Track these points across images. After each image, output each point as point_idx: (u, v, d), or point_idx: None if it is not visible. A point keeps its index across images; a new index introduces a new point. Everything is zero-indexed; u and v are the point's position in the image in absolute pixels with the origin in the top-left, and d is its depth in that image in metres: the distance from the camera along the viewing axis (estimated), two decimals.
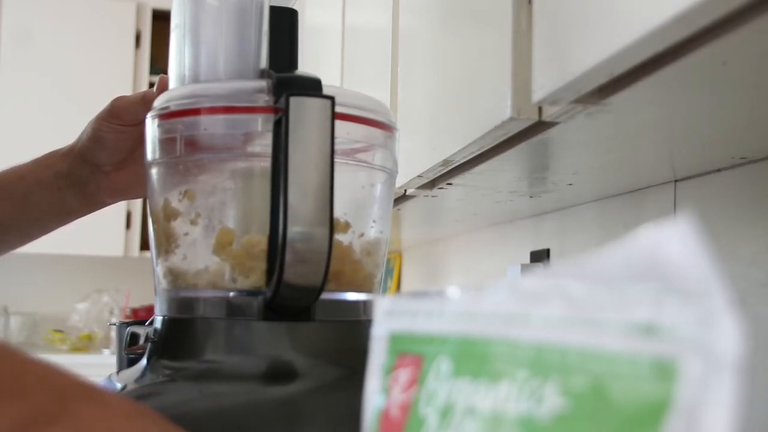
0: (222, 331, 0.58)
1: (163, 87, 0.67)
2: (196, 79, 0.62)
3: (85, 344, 3.31)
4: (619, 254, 0.25)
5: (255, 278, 0.58)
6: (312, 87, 0.57)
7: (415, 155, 0.88)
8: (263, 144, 0.58)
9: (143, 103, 0.72)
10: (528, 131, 0.65)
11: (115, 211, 3.34)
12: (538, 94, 0.57)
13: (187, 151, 0.61)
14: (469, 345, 0.29)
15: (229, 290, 0.59)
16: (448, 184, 0.92)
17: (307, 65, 0.66)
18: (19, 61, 3.33)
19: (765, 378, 0.69)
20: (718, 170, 0.79)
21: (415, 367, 0.32)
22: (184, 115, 0.60)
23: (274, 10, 0.63)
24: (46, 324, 3.44)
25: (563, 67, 0.53)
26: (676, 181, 0.86)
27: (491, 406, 0.27)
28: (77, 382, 0.39)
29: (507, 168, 0.82)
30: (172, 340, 0.60)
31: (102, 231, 3.21)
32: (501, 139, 0.68)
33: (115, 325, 0.93)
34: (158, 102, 0.63)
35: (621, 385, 0.23)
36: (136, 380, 0.59)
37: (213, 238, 0.60)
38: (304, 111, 0.54)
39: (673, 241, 0.23)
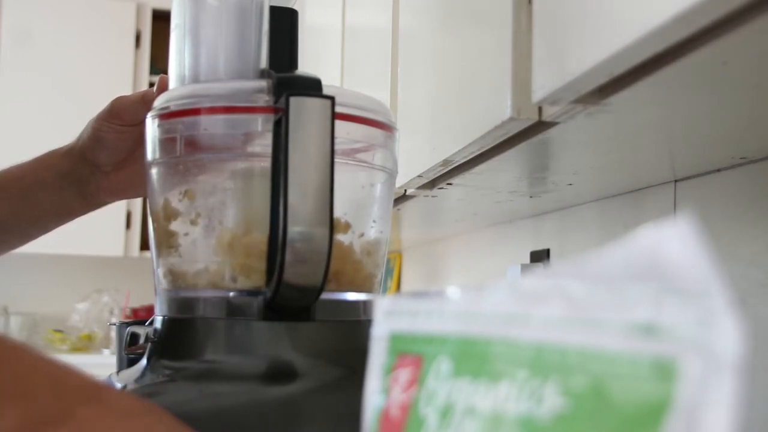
0: (222, 331, 0.58)
1: (163, 87, 0.67)
2: (196, 79, 0.62)
3: (85, 344, 3.31)
4: (619, 254, 0.25)
5: (255, 278, 0.58)
6: (312, 87, 0.57)
7: (415, 155, 0.88)
8: (263, 144, 0.58)
9: (143, 102, 0.72)
10: (528, 131, 0.65)
11: (115, 211, 3.34)
12: (538, 94, 0.57)
13: (187, 151, 0.61)
14: (469, 345, 0.29)
15: (229, 290, 0.59)
16: (448, 184, 0.92)
17: (307, 65, 0.66)
18: (19, 61, 3.33)
19: (765, 378, 0.69)
20: (718, 170, 0.79)
21: (415, 367, 0.32)
22: (184, 115, 0.60)
23: (274, 10, 0.63)
24: (46, 324, 3.44)
25: (563, 67, 0.53)
26: (676, 181, 0.86)
27: (491, 406, 0.27)
28: (83, 381, 0.39)
29: (507, 168, 0.82)
30: (172, 340, 0.60)
31: (102, 231, 3.21)
32: (501, 139, 0.68)
33: (115, 325, 0.93)
34: (158, 102, 0.63)
35: (621, 385, 0.23)
36: (136, 380, 0.59)
37: (213, 238, 0.60)
38: (304, 111, 0.54)
39: (673, 241, 0.23)
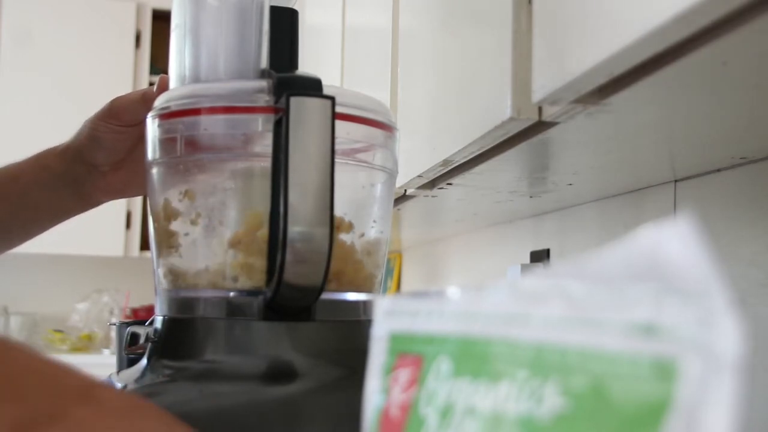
0: (222, 331, 0.58)
1: (164, 87, 0.67)
2: (196, 79, 0.62)
3: (85, 344, 3.31)
4: (619, 254, 0.25)
5: (255, 278, 0.58)
6: (312, 87, 0.57)
7: (415, 155, 0.88)
8: (263, 144, 0.58)
9: (143, 102, 0.72)
10: (528, 131, 0.65)
11: (115, 211, 3.34)
12: (538, 94, 0.57)
13: (187, 151, 0.61)
14: (469, 345, 0.29)
15: (230, 290, 0.59)
16: (448, 184, 0.92)
17: (307, 65, 0.66)
18: (19, 61, 3.33)
19: (765, 378, 0.69)
20: (718, 170, 0.79)
21: (415, 367, 0.32)
22: (184, 115, 0.60)
23: (274, 10, 0.63)
24: (46, 324, 3.44)
25: (563, 67, 0.53)
26: (676, 181, 0.86)
27: (491, 406, 0.27)
28: (78, 380, 0.39)
29: (507, 168, 0.82)
30: (172, 340, 0.60)
31: (102, 231, 3.21)
32: (501, 139, 0.68)
33: (115, 325, 0.93)
34: (158, 102, 0.63)
35: (621, 385, 0.23)
36: (136, 380, 0.59)
37: (213, 238, 0.60)
38: (304, 111, 0.54)
39: (673, 241, 0.23)
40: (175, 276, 0.61)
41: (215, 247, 0.60)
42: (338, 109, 0.55)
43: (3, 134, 3.15)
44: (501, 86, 0.62)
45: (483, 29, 0.69)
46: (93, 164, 0.77)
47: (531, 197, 1.05)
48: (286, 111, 0.54)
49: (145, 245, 3.39)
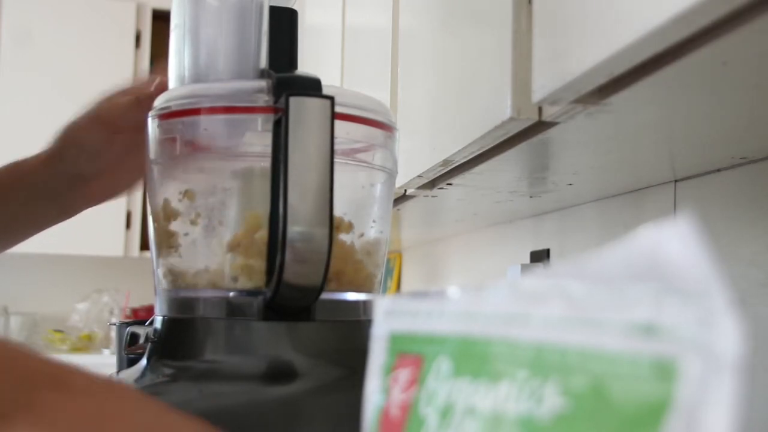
0: (222, 331, 0.58)
1: (162, 89, 0.66)
2: (196, 79, 0.62)
3: (85, 344, 3.31)
4: (619, 254, 0.25)
5: (255, 278, 0.58)
6: (312, 87, 0.57)
7: (415, 155, 0.88)
8: (263, 144, 0.58)
9: (138, 106, 0.67)
10: (528, 131, 0.65)
11: (115, 211, 3.35)
12: (538, 94, 0.57)
13: (187, 151, 0.61)
14: (469, 345, 0.29)
15: (229, 290, 0.59)
16: (448, 184, 0.92)
17: (307, 65, 0.66)
18: (19, 61, 3.33)
19: (765, 378, 0.69)
20: (718, 170, 0.79)
21: (415, 367, 0.32)
22: (184, 115, 0.60)
23: (274, 10, 0.63)
24: (46, 324, 3.44)
25: (563, 67, 0.53)
26: (676, 181, 0.86)
27: (491, 406, 0.27)
28: (49, 366, 0.38)
29: (507, 168, 0.82)
30: (172, 340, 0.60)
31: (102, 231, 3.22)
32: (501, 139, 0.68)
33: (115, 325, 0.93)
34: (158, 102, 0.63)
35: (621, 385, 0.23)
36: (136, 380, 0.59)
37: (213, 238, 0.60)
38: (304, 111, 0.54)
39: (673, 241, 0.23)
40: (174, 276, 0.61)
41: (215, 248, 0.60)
42: (338, 109, 0.55)
43: (3, 134, 3.15)
44: (501, 86, 0.62)
45: (483, 29, 0.69)
46: (77, 174, 0.72)
47: (531, 197, 1.05)
48: (286, 111, 0.54)
49: (145, 245, 3.39)
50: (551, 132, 0.63)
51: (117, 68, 3.45)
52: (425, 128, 0.88)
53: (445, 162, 0.81)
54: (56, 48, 3.39)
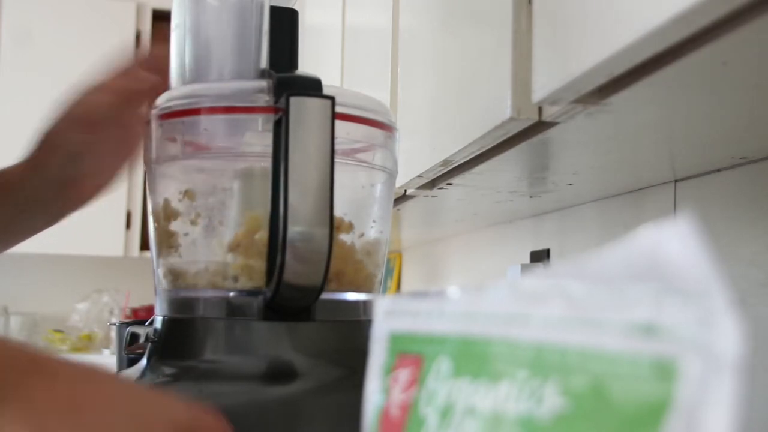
0: (222, 331, 0.58)
1: (160, 89, 0.63)
2: (196, 79, 0.62)
3: (85, 344, 3.31)
4: (619, 254, 0.25)
5: (255, 278, 0.58)
6: (312, 87, 0.57)
7: (415, 155, 0.88)
8: (263, 144, 0.58)
9: (126, 103, 0.64)
10: (528, 131, 0.65)
11: (115, 211, 3.34)
12: (538, 94, 0.57)
13: (187, 151, 0.61)
14: (469, 345, 0.29)
15: (229, 290, 0.59)
16: (448, 184, 0.92)
17: (307, 65, 0.66)
18: (19, 61, 3.33)
19: (765, 378, 0.69)
20: (718, 170, 0.79)
21: (415, 367, 0.32)
22: (185, 115, 0.60)
23: (274, 10, 0.63)
24: (46, 324, 3.44)
25: (563, 67, 0.53)
26: (676, 181, 0.86)
27: (491, 406, 0.27)
28: (30, 355, 0.38)
29: (507, 168, 0.82)
30: (172, 340, 0.60)
31: (102, 231, 3.21)
32: (501, 139, 0.68)
33: (115, 325, 0.93)
34: (159, 102, 0.63)
35: (621, 385, 0.23)
36: (136, 380, 0.59)
37: (213, 238, 0.60)
38: (304, 111, 0.54)
39: (673, 241, 0.23)
40: (175, 276, 0.61)
41: (215, 247, 0.60)
42: (338, 109, 0.55)
43: (3, 134, 3.15)
44: (501, 86, 0.62)
45: (483, 29, 0.69)
46: (62, 178, 0.68)
47: (531, 197, 1.05)
48: (286, 111, 0.54)
49: (145, 245, 3.39)
50: (551, 132, 0.63)
51: None
52: (425, 128, 0.88)
53: (445, 162, 0.81)
54: (56, 48, 3.39)
